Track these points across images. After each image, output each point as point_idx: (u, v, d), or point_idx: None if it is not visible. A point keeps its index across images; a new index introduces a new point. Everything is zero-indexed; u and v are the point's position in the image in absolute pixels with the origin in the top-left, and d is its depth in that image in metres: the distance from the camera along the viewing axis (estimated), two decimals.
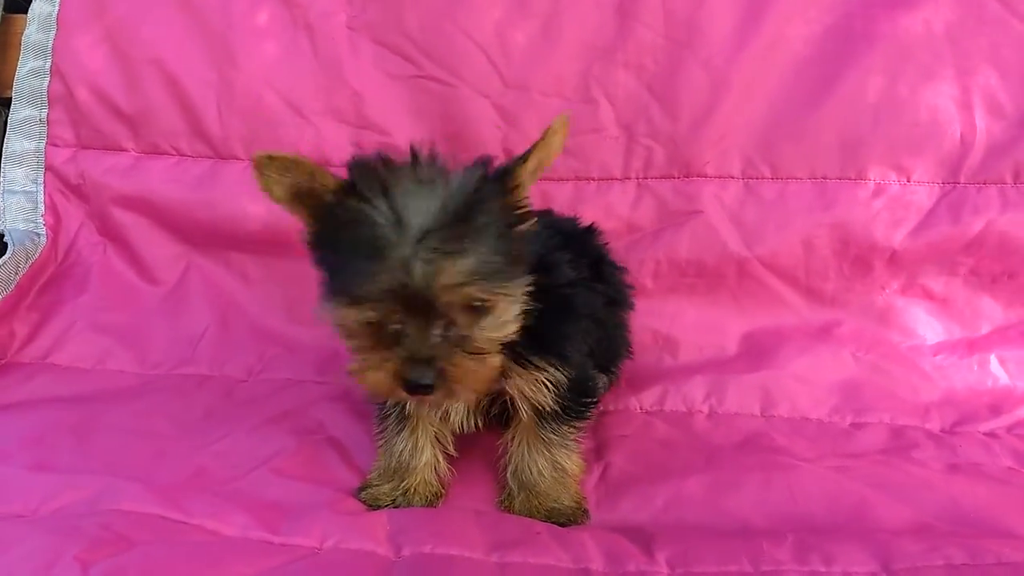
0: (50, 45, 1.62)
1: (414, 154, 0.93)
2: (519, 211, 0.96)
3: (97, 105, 1.62)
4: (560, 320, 1.07)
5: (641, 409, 1.47)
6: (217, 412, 1.30)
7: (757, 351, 1.55)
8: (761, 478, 1.19)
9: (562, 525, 1.09)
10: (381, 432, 1.14)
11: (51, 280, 1.57)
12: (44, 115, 1.63)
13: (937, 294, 1.59)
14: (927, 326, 1.59)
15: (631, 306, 1.38)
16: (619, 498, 1.16)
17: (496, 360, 0.95)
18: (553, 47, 1.57)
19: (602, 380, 1.34)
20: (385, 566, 0.94)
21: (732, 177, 1.57)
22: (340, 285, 0.89)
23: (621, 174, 1.58)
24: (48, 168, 1.63)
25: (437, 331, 0.90)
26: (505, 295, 0.92)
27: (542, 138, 0.95)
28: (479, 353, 0.93)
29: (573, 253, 1.11)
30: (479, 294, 0.89)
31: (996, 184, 1.56)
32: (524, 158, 0.95)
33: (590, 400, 1.15)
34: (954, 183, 1.56)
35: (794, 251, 1.56)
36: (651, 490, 1.17)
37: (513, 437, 1.13)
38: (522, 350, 1.03)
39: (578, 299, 1.10)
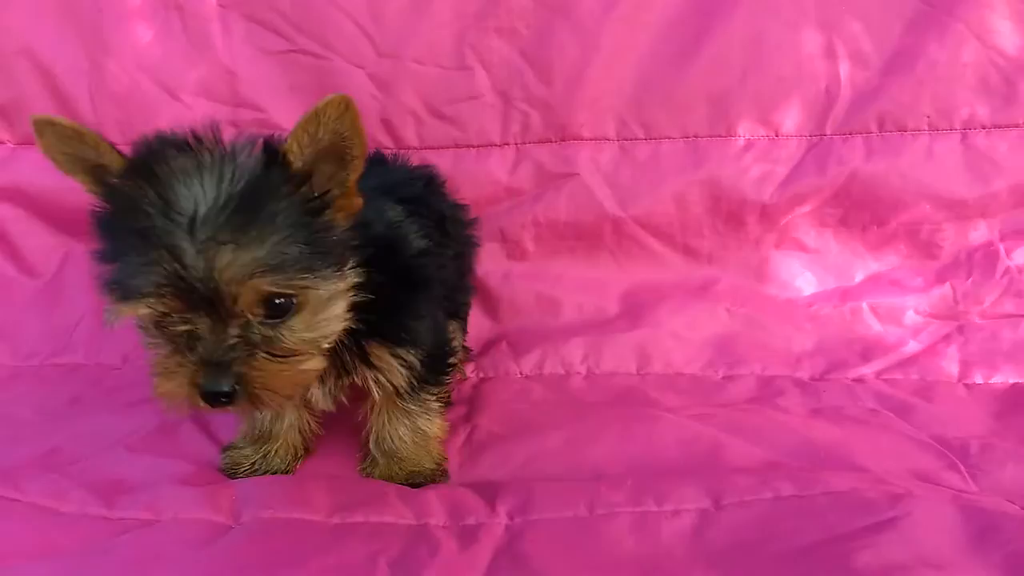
0: None
1: (194, 135, 0.84)
2: (317, 199, 0.85)
3: None
4: (410, 300, 1.03)
5: (521, 374, 1.51)
6: (85, 398, 1.31)
7: (635, 311, 1.59)
8: (620, 429, 1.23)
9: (419, 486, 1.10)
10: None
11: None
12: None
13: (810, 246, 1.65)
14: (802, 278, 1.64)
15: (477, 244, 1.44)
16: (480, 457, 1.19)
17: (313, 363, 0.88)
18: (424, 14, 1.58)
19: (457, 337, 1.37)
20: (219, 532, 0.96)
21: (607, 139, 1.60)
22: (112, 277, 0.80)
23: (500, 140, 1.61)
24: None
25: (234, 331, 0.82)
26: (313, 289, 0.84)
27: (308, 116, 0.83)
28: (288, 356, 0.85)
29: (417, 218, 1.10)
30: (274, 288, 0.81)
31: (861, 134, 1.60)
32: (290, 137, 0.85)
33: (448, 365, 1.14)
34: (820, 135, 1.61)
35: (667, 209, 1.59)
36: (512, 448, 1.19)
37: (372, 407, 1.12)
38: (368, 340, 1.00)
39: (428, 270, 1.07)
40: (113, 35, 1.58)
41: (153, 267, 0.78)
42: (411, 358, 1.04)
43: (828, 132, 1.60)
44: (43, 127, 0.84)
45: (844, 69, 1.59)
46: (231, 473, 1.12)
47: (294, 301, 0.84)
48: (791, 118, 1.60)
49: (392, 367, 1.03)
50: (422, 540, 0.94)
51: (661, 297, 1.60)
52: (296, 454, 1.16)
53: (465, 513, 1.01)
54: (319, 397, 1.06)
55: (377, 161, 1.27)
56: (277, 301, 0.83)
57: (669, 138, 1.60)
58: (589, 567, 0.90)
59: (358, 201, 0.89)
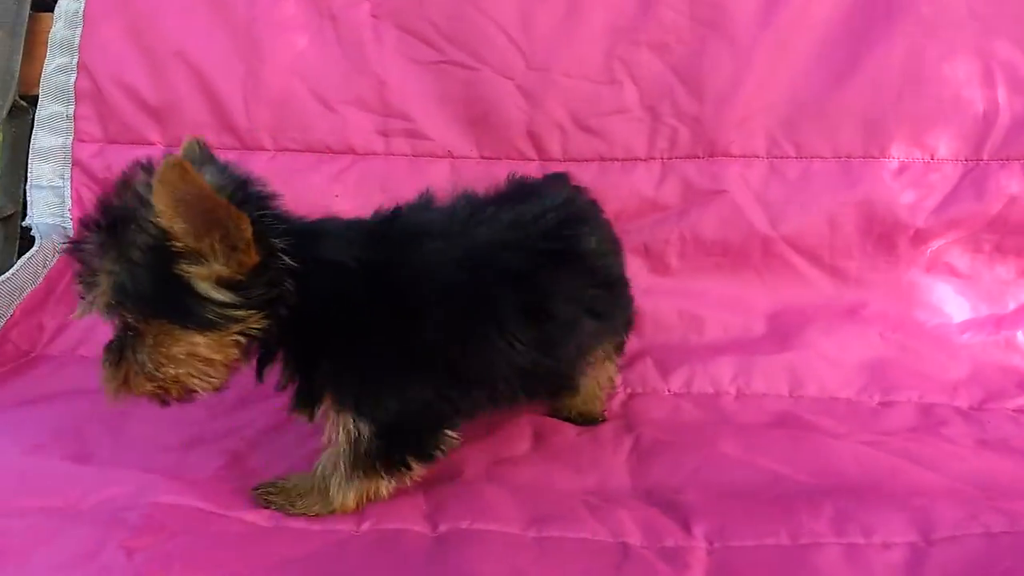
0: (76, 41, 1.63)
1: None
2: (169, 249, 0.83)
3: (123, 99, 1.63)
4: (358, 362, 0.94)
5: (669, 391, 1.48)
6: (250, 395, 1.30)
7: (783, 331, 1.55)
8: (791, 444, 1.21)
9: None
10: None
11: None
12: (71, 111, 1.64)
13: (962, 271, 1.60)
14: (953, 304, 1.59)
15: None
16: (651, 463, 1.17)
17: (169, 390, 0.90)
18: (576, 28, 1.57)
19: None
20: (423, 543, 0.95)
21: (757, 156, 1.58)
22: None
23: (646, 154, 1.59)
24: (75, 163, 1.64)
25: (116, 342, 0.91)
26: (149, 328, 0.87)
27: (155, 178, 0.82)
28: (151, 373, 0.89)
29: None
30: (119, 312, 0.87)
31: (1019, 160, 1.56)
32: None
33: (412, 457, 0.99)
34: (977, 160, 1.57)
35: (819, 230, 1.56)
36: (683, 455, 1.18)
37: None
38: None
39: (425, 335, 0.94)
40: (267, 42, 1.61)
41: None
42: (354, 425, 0.94)
43: (985, 158, 1.56)
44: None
45: (1002, 95, 1.55)
46: None
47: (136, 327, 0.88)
48: (947, 142, 1.56)
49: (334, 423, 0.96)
50: (630, 560, 0.92)
51: (809, 318, 1.56)
52: None
53: (663, 534, 0.98)
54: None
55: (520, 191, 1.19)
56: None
57: (820, 157, 1.57)
58: None
59: (247, 259, 0.85)
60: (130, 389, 0.91)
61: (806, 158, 1.58)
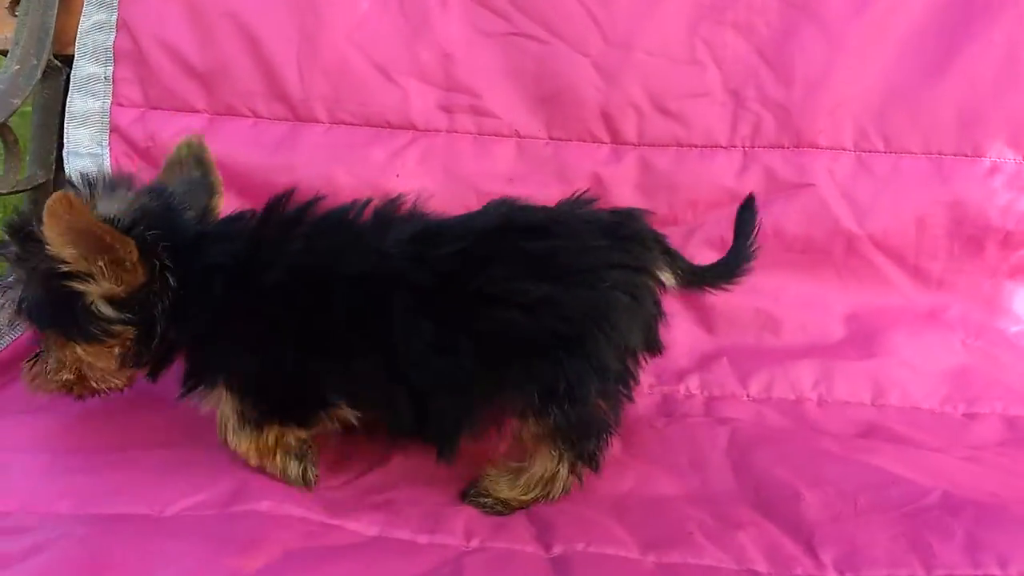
0: None
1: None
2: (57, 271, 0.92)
3: (167, 62, 1.51)
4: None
5: (748, 396, 1.41)
6: None
7: (863, 334, 1.48)
8: (896, 453, 1.16)
9: None
10: None
11: None
12: (109, 72, 1.52)
13: None
14: None
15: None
16: (752, 459, 1.12)
17: (72, 389, 1.02)
18: (658, 3, 1.47)
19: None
20: (541, 566, 0.89)
21: (844, 149, 1.49)
22: None
23: (726, 142, 1.50)
24: (114, 129, 1.52)
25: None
26: (47, 336, 0.99)
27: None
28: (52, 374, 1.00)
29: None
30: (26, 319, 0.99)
31: None
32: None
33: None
34: None
35: (907, 229, 1.48)
36: (785, 449, 1.14)
37: None
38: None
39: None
40: (326, 6, 1.49)
41: None
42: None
43: None
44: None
45: None
46: None
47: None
48: None
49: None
50: None
51: (889, 322, 1.48)
52: None
53: (789, 562, 0.92)
54: None
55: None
56: None
57: (910, 153, 1.49)
58: None
59: (133, 278, 0.92)
60: (40, 386, 1.02)
61: (895, 153, 1.49)
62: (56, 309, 0.94)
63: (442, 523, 0.95)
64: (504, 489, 1.01)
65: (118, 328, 0.94)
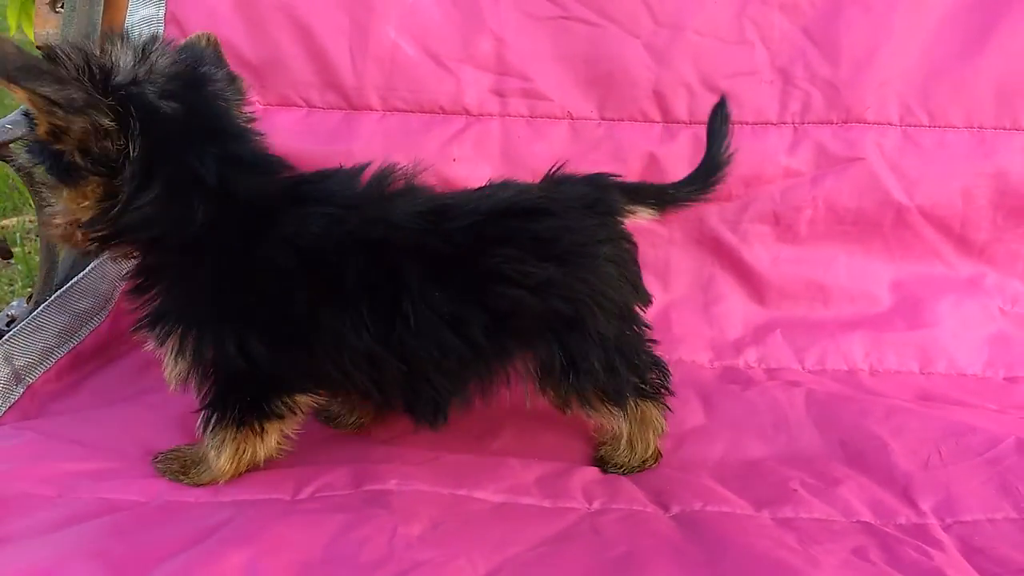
0: None
1: None
2: None
3: None
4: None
5: (803, 368, 1.46)
6: None
7: (909, 304, 1.53)
8: (960, 410, 1.24)
9: None
10: None
11: None
12: None
13: None
14: None
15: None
16: (834, 414, 1.20)
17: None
18: None
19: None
20: (668, 523, 0.94)
21: (891, 124, 1.53)
22: None
23: (777, 119, 1.53)
24: None
25: None
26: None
27: None
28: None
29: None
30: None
31: None
32: None
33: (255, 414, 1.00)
34: None
35: (953, 201, 1.52)
36: (860, 404, 1.22)
37: None
38: None
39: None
40: None
41: None
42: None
43: None
44: None
45: None
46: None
47: None
48: None
49: None
50: (888, 541, 0.92)
51: (933, 291, 1.53)
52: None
53: (892, 512, 0.98)
54: None
55: None
56: None
57: (954, 127, 1.53)
58: None
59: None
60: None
61: (939, 127, 1.53)
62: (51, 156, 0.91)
63: (560, 489, 1.00)
64: (627, 457, 1.10)
65: (90, 177, 0.90)
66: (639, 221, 1.14)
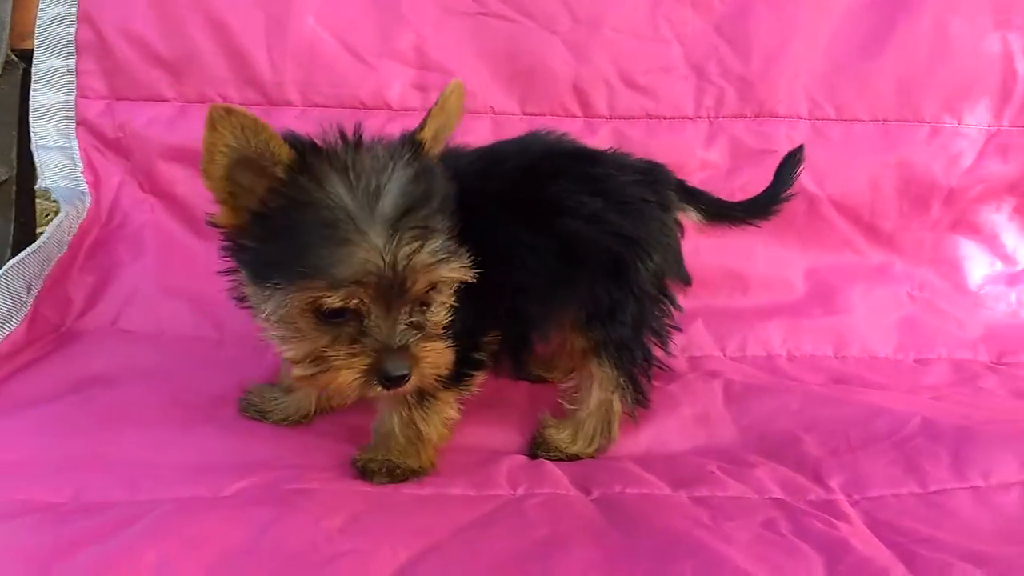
0: None
1: (358, 132, 0.89)
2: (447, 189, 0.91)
3: (133, 52, 1.48)
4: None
5: (724, 355, 1.51)
6: None
7: (823, 291, 1.59)
8: (871, 392, 1.28)
9: (397, 479, 1.01)
10: None
11: (100, 242, 1.46)
12: (72, 65, 1.49)
13: (984, 230, 1.66)
14: (972, 261, 1.66)
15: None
16: (750, 407, 1.22)
17: (446, 344, 0.90)
18: None
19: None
20: (590, 505, 0.96)
21: (800, 118, 1.59)
22: (296, 270, 0.82)
23: (693, 113, 1.57)
24: (80, 122, 1.50)
25: (403, 318, 0.86)
26: (457, 276, 0.88)
27: (437, 104, 0.93)
28: (434, 339, 0.89)
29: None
30: (446, 274, 0.86)
31: None
32: (422, 126, 0.93)
33: (465, 367, 1.02)
34: (999, 126, 1.63)
35: (862, 190, 1.59)
36: (779, 398, 1.24)
37: None
38: None
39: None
40: None
41: (350, 258, 0.81)
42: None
43: (1006, 124, 1.63)
44: (221, 116, 0.82)
45: (1020, 65, 1.61)
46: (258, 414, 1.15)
47: (440, 288, 0.89)
48: (973, 108, 1.62)
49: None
50: (797, 514, 0.94)
51: (846, 278, 1.59)
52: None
53: (803, 490, 1.01)
54: None
55: None
56: (432, 290, 0.88)
57: (859, 120, 1.60)
58: (979, 539, 0.91)
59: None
60: None
61: (846, 120, 1.60)
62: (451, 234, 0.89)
63: (486, 477, 1.01)
64: (568, 443, 1.12)
65: None
66: (684, 220, 1.21)
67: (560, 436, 1.13)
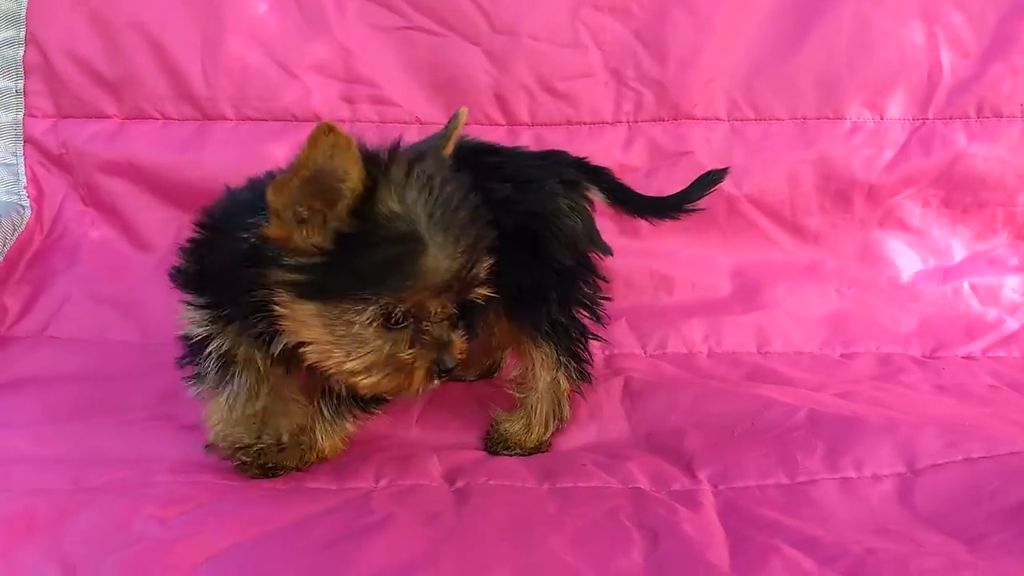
0: (23, 13, 1.55)
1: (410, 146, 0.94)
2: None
3: (77, 72, 1.56)
4: None
5: (645, 352, 1.53)
6: None
7: (748, 289, 1.61)
8: (774, 388, 1.29)
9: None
10: None
11: (39, 253, 1.54)
12: (20, 86, 1.57)
13: (913, 226, 1.68)
14: (904, 257, 1.67)
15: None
16: (646, 404, 1.24)
17: (462, 333, 0.98)
18: None
19: None
20: (444, 495, 0.98)
21: (718, 119, 1.62)
22: (387, 283, 0.86)
23: (612, 118, 1.62)
24: (27, 140, 1.58)
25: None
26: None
27: (452, 124, 1.01)
28: (456, 329, 0.96)
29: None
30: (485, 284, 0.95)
31: (961, 119, 1.64)
32: (445, 144, 1.00)
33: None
34: (923, 119, 1.65)
35: (779, 188, 1.62)
36: (674, 394, 1.26)
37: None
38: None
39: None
40: (227, 8, 1.56)
41: (437, 268, 0.87)
42: None
43: (930, 117, 1.64)
44: (324, 132, 0.81)
45: (945, 57, 1.63)
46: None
47: None
48: (896, 103, 1.64)
49: None
50: (645, 501, 0.96)
51: (771, 276, 1.62)
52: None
53: (669, 480, 1.03)
54: None
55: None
56: None
57: (778, 119, 1.63)
58: (828, 527, 0.91)
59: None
60: None
61: (765, 120, 1.63)
62: None
63: (352, 472, 1.04)
64: (523, 434, 1.16)
65: None
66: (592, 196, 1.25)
67: (515, 429, 1.16)
